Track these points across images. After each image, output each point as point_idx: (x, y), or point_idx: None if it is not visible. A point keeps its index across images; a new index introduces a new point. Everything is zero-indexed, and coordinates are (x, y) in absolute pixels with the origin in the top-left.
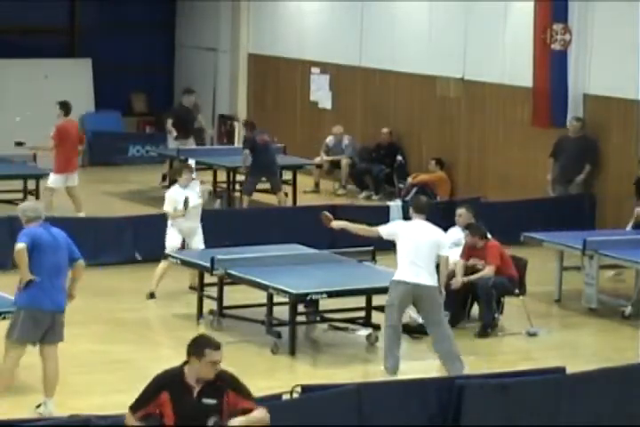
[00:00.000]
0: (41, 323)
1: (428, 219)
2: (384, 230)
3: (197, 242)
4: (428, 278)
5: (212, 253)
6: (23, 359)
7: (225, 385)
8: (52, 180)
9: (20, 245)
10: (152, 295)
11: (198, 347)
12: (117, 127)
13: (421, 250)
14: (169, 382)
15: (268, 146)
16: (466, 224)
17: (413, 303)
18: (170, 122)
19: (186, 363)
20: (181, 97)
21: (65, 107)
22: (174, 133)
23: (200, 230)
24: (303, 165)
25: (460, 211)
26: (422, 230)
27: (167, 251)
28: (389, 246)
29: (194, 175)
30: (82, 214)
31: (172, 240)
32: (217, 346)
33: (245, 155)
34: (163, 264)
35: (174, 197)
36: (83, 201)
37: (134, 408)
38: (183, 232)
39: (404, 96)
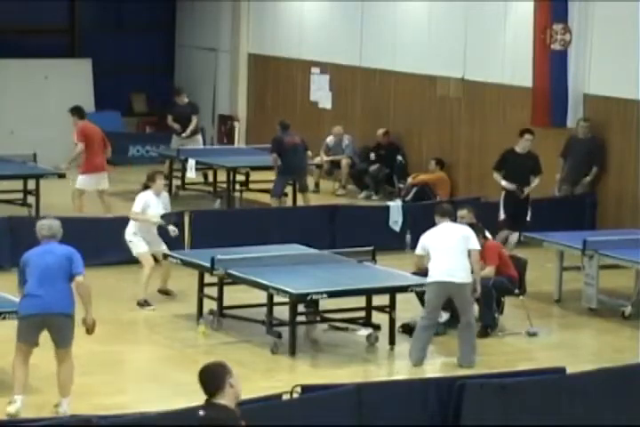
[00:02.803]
0: (31, 326)
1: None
2: (418, 250)
3: (161, 245)
4: (461, 276)
5: (212, 253)
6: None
7: None
8: (80, 181)
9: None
10: (146, 302)
11: (228, 374)
12: (117, 127)
13: (450, 249)
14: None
15: (296, 148)
16: (468, 224)
17: (449, 301)
18: (170, 118)
19: (211, 397)
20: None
21: (77, 111)
22: (176, 126)
23: (158, 236)
24: None
25: (462, 212)
26: (448, 230)
27: (140, 258)
28: (389, 246)
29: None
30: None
31: (141, 247)
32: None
33: (274, 158)
34: (147, 270)
35: (147, 201)
36: (111, 207)
37: None
38: (146, 239)
39: (404, 96)
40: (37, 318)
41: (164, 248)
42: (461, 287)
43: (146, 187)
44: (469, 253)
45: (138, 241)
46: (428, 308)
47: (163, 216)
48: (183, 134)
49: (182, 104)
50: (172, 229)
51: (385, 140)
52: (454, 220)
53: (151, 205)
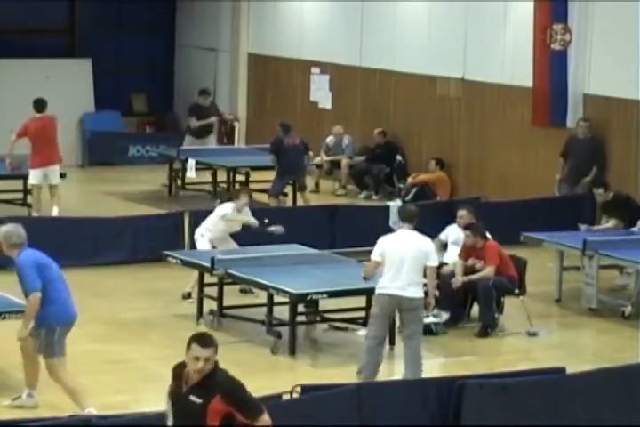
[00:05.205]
0: (69, 330)
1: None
2: (376, 256)
3: (232, 245)
4: (413, 291)
5: (211, 253)
6: (17, 359)
7: (216, 388)
8: (31, 176)
9: (37, 295)
10: (189, 295)
11: (190, 340)
12: (117, 127)
13: (406, 261)
14: (176, 373)
15: (295, 149)
16: (467, 224)
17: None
18: (194, 120)
19: None
20: (197, 97)
21: (35, 104)
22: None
23: (231, 239)
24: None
25: (462, 212)
26: (407, 240)
27: None
28: None
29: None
30: (55, 210)
31: (203, 246)
32: (205, 343)
33: (272, 159)
34: None
35: (224, 214)
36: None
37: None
38: (213, 242)
39: (404, 96)
40: (73, 322)
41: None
42: (411, 302)
43: (229, 199)
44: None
45: (203, 241)
46: (375, 321)
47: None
48: (198, 123)
49: (206, 106)
50: (274, 228)
51: (381, 139)
52: (415, 227)
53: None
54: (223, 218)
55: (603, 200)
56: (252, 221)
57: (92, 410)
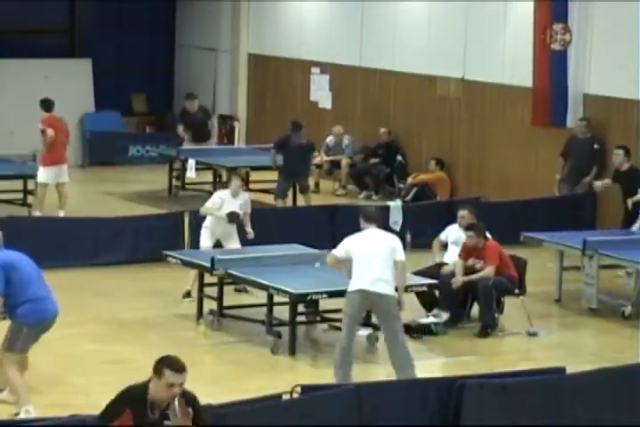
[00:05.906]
0: (41, 331)
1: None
2: (339, 252)
3: (234, 243)
4: (384, 287)
5: (212, 254)
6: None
7: (187, 401)
8: (41, 174)
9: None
10: (188, 294)
11: (160, 365)
12: (117, 127)
13: (374, 258)
14: (132, 400)
15: (301, 149)
16: (469, 225)
17: (372, 311)
18: (181, 127)
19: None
20: (184, 102)
21: (42, 103)
22: (187, 137)
23: (235, 233)
24: None
25: (463, 213)
26: (373, 238)
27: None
28: None
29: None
30: (61, 213)
31: (205, 242)
32: (179, 369)
33: (272, 153)
34: None
35: (221, 198)
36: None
37: (100, 424)
38: (216, 234)
39: (404, 96)
40: (50, 321)
41: (232, 246)
42: (383, 298)
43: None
44: (395, 264)
45: (204, 235)
46: (348, 320)
47: (229, 214)
48: (213, 140)
49: (194, 111)
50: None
51: (387, 138)
52: (380, 226)
53: (225, 203)
54: (219, 204)
55: (619, 164)
56: (219, 214)
57: (29, 409)
